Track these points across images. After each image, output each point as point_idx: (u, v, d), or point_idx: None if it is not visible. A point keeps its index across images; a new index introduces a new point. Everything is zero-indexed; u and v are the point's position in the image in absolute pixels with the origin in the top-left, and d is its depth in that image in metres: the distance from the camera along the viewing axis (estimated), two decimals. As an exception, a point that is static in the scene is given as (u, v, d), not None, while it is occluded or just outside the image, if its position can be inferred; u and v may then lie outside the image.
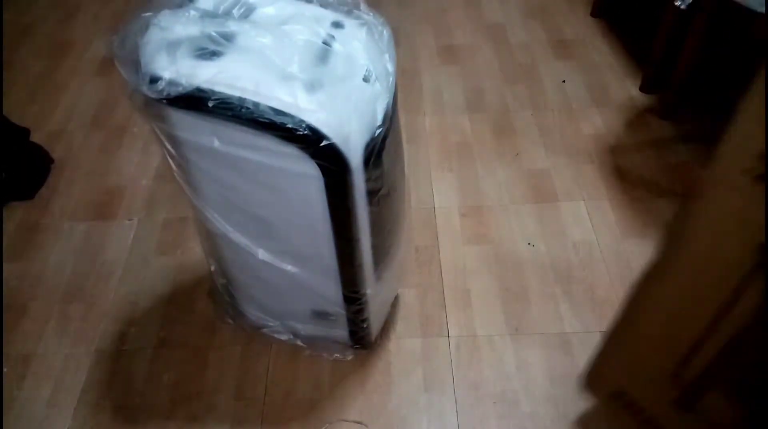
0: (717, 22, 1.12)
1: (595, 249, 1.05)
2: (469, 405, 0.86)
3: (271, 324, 0.87)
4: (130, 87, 0.59)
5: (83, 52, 1.51)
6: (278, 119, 0.56)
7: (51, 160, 1.22)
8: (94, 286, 1.02)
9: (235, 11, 0.62)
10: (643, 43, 1.39)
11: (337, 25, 0.65)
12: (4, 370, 0.91)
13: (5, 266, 1.05)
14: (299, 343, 0.89)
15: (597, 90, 1.36)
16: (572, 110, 1.31)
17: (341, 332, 0.85)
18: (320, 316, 0.83)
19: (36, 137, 1.21)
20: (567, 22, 1.56)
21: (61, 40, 1.55)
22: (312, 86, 0.58)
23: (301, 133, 0.56)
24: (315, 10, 0.66)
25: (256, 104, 0.56)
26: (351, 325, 0.83)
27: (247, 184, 0.65)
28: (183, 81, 0.56)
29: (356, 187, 0.64)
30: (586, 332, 0.93)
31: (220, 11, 0.62)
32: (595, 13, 1.57)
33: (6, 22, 1.58)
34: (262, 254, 0.73)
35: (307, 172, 0.60)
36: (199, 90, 0.56)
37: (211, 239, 0.76)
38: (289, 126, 0.56)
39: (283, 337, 0.89)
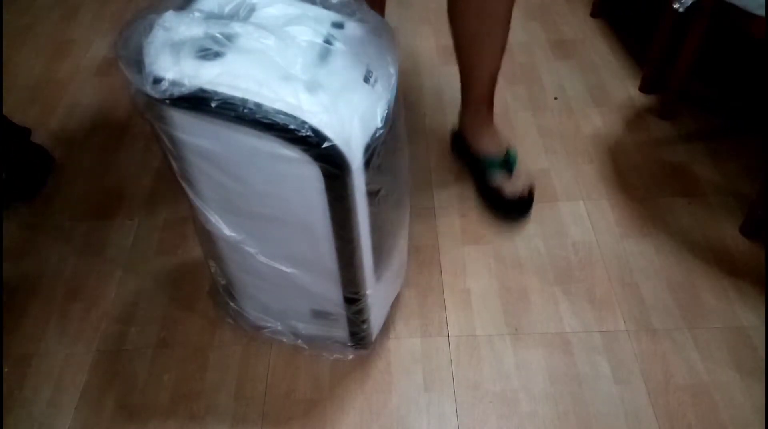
0: (715, 24, 1.13)
1: (594, 249, 1.05)
2: (469, 404, 0.86)
3: (271, 324, 0.88)
4: (133, 87, 0.59)
5: (84, 51, 1.51)
6: (280, 120, 0.56)
7: (52, 160, 1.22)
8: (94, 286, 1.02)
9: (237, 12, 0.62)
10: (642, 44, 1.40)
11: (338, 25, 0.65)
12: (5, 370, 0.91)
13: (6, 266, 1.05)
14: (299, 343, 0.89)
15: (596, 90, 1.36)
16: (572, 110, 1.32)
17: (341, 332, 0.86)
18: (320, 315, 0.83)
19: (37, 137, 1.21)
20: (567, 23, 1.56)
21: (62, 39, 1.55)
22: (314, 87, 0.58)
23: (303, 134, 0.56)
24: (317, 11, 0.66)
25: (259, 105, 0.56)
26: (351, 325, 0.84)
27: (248, 185, 0.65)
28: (186, 81, 0.56)
29: (357, 188, 0.64)
30: (585, 332, 0.93)
31: (223, 13, 0.62)
32: (594, 14, 1.57)
33: (6, 21, 1.59)
34: (262, 255, 0.73)
35: (308, 173, 0.60)
36: (201, 90, 0.56)
37: (211, 240, 0.77)
38: (292, 127, 0.56)
39: (284, 338, 0.89)
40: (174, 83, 0.56)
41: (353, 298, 0.78)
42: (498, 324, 0.95)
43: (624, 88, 1.36)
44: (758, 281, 0.99)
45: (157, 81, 0.57)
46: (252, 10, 0.63)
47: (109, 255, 1.06)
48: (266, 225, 0.70)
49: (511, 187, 1.07)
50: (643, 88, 1.35)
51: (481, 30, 0.96)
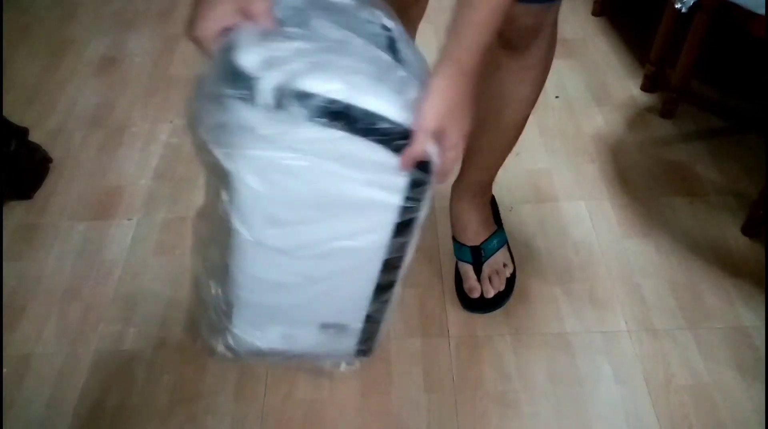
0: (717, 23, 1.12)
1: (595, 249, 1.05)
2: (469, 405, 0.86)
3: (272, 348, 0.79)
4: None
5: (82, 51, 1.51)
6: (380, 124, 0.53)
7: (50, 160, 1.22)
8: (93, 287, 1.01)
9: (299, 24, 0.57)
10: (644, 43, 1.39)
11: (385, 28, 0.63)
12: (4, 370, 0.91)
13: (5, 265, 1.05)
14: (300, 362, 0.84)
15: (598, 89, 1.36)
16: (573, 109, 1.31)
17: (350, 343, 0.80)
18: (331, 329, 0.77)
19: (35, 137, 1.20)
20: (568, 22, 1.56)
21: (61, 39, 1.55)
22: (399, 91, 0.55)
23: (398, 134, 0.54)
24: (366, 14, 0.63)
25: (357, 108, 0.53)
26: (364, 334, 0.79)
27: (317, 199, 0.60)
28: (290, 88, 0.52)
29: (429, 193, 0.62)
30: (586, 332, 0.93)
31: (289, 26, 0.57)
32: (596, 13, 1.57)
33: (5, 21, 1.58)
34: (301, 272, 0.67)
35: (391, 179, 0.58)
36: (304, 96, 0.52)
37: (229, 257, 0.68)
38: (390, 129, 0.54)
39: (284, 362, 0.85)
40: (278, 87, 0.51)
41: (378, 308, 0.74)
42: (498, 324, 0.95)
43: (625, 87, 1.36)
44: (759, 281, 0.99)
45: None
46: (307, 22, 0.58)
47: (108, 255, 1.06)
48: (318, 242, 0.64)
49: (470, 282, 0.95)
50: (644, 87, 1.34)
51: (488, 118, 0.84)
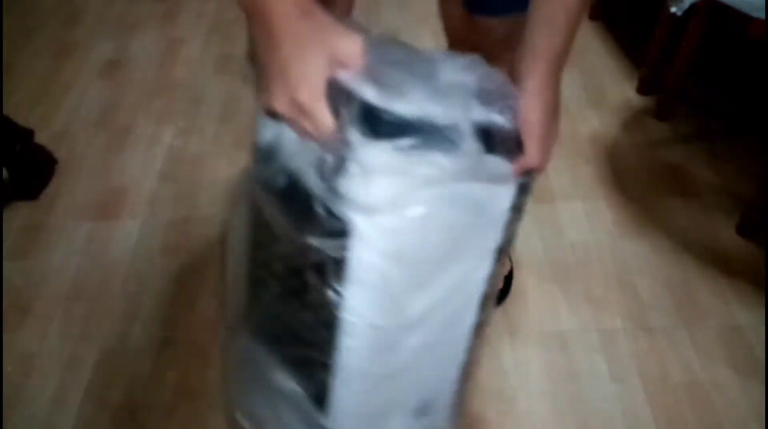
0: (712, 26, 1.14)
1: (591, 249, 1.06)
2: (468, 402, 0.87)
3: None
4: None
5: (87, 54, 1.53)
6: (505, 136, 0.52)
7: (55, 161, 1.23)
8: (98, 286, 1.03)
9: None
10: (640, 46, 1.41)
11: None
12: (9, 369, 0.92)
13: (10, 265, 1.06)
14: None
15: (594, 92, 1.37)
16: (569, 112, 1.33)
17: (442, 416, 0.66)
18: (423, 409, 0.63)
19: (40, 138, 1.22)
20: (565, 25, 1.57)
21: (65, 41, 1.57)
22: (500, 112, 0.55)
23: (514, 143, 0.53)
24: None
25: (497, 126, 0.51)
26: (457, 397, 0.65)
27: (453, 238, 0.53)
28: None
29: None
30: (582, 330, 0.94)
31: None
32: (593, 16, 1.58)
33: (10, 23, 1.60)
34: (410, 345, 0.55)
35: (503, 191, 0.55)
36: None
37: (333, 368, 0.54)
38: (511, 141, 0.53)
39: None
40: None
41: (475, 353, 0.64)
42: (496, 322, 0.96)
43: (621, 89, 1.38)
44: (754, 280, 1.00)
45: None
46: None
47: (113, 255, 1.07)
48: (442, 297, 0.55)
49: None
50: (640, 90, 1.36)
51: None
